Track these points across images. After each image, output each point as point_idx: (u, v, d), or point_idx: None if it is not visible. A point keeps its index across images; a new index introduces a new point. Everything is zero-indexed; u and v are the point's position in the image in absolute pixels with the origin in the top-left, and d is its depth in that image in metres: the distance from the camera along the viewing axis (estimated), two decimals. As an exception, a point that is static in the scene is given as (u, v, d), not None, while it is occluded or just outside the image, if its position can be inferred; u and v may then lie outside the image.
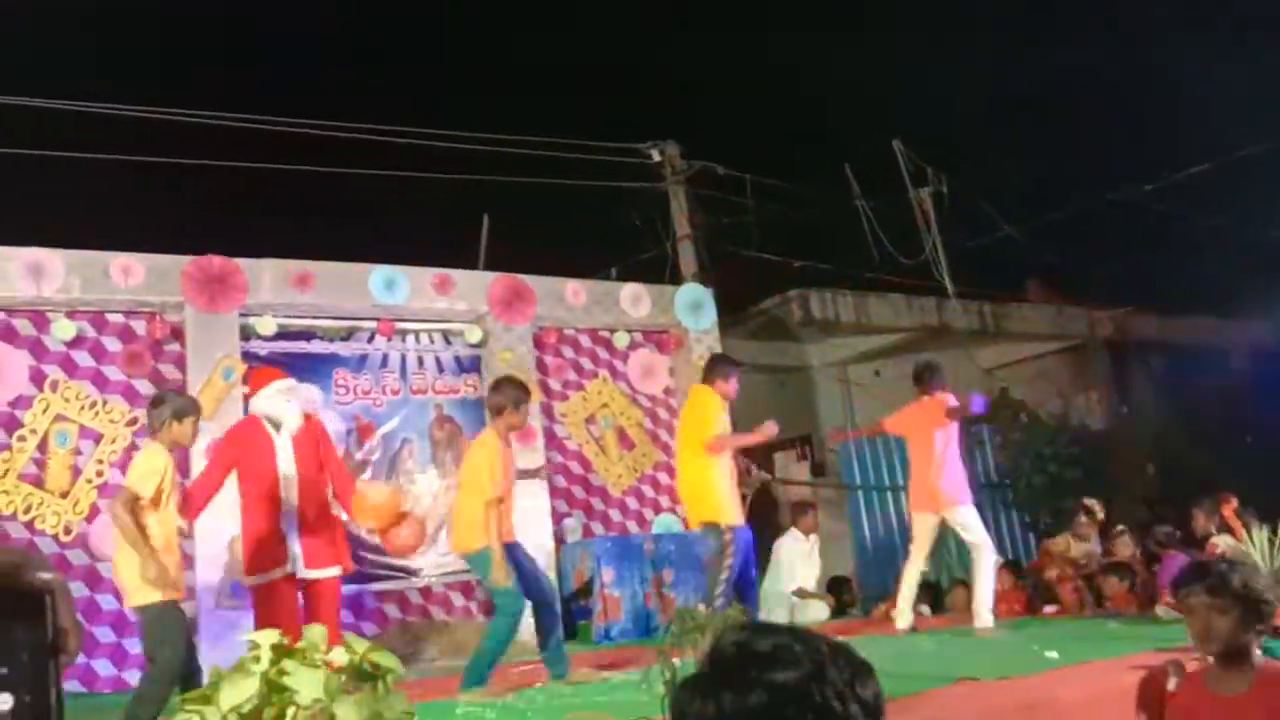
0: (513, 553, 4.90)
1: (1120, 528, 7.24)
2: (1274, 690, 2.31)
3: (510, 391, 5.05)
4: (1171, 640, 4.49)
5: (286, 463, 4.86)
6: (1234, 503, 6.51)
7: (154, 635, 4.04)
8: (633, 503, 8.31)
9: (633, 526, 8.14)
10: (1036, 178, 12.05)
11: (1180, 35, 11.29)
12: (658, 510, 8.36)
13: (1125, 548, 6.86)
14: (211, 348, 6.68)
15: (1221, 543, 6.35)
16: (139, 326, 6.74)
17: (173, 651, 3.97)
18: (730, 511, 5.55)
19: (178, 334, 6.76)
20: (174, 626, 4.04)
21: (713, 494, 5.60)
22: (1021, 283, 13.07)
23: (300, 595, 4.78)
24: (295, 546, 4.77)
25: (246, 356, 6.88)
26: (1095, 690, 3.80)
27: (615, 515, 8.14)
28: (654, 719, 3.19)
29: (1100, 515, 7.41)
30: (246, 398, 5.61)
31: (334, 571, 4.90)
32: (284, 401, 4.92)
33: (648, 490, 8.39)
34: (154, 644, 4.02)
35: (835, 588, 8.46)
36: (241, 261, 6.92)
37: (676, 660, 3.19)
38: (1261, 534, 4.52)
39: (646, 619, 7.11)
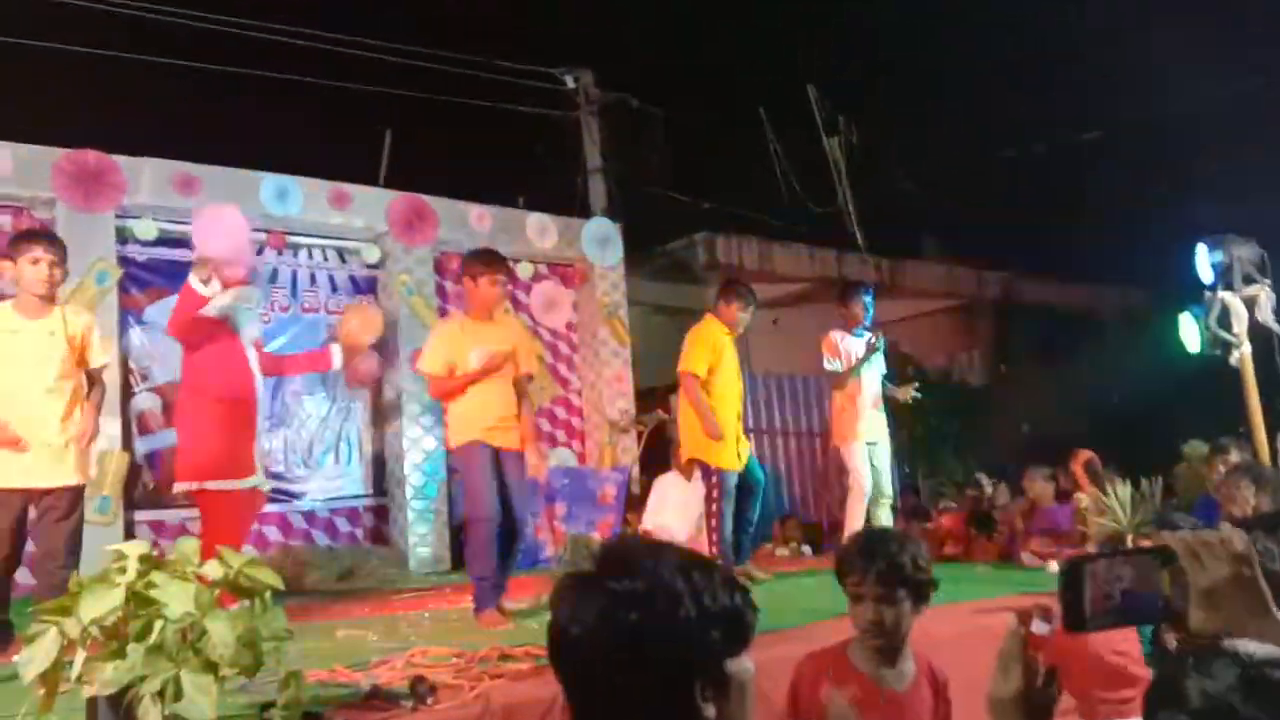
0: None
1: (997, 480, 7.59)
2: (933, 686, 2.24)
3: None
4: (1034, 585, 4.77)
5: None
6: (1084, 457, 6.79)
7: None
8: (528, 435, 8.23)
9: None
10: (937, 136, 12.28)
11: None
12: (553, 444, 8.32)
13: (1002, 497, 7.22)
14: (85, 249, 6.20)
15: (1084, 498, 6.72)
16: (4, 221, 6.24)
17: None
18: (715, 452, 5.24)
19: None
20: None
21: (695, 431, 5.33)
22: (917, 240, 13.42)
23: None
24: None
25: (123, 261, 6.46)
26: (963, 627, 3.99)
27: (509, 447, 8.08)
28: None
29: (989, 491, 7.71)
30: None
31: None
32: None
33: (544, 424, 8.32)
34: None
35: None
36: (120, 159, 6.44)
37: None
38: (1124, 488, 4.78)
39: (536, 551, 7.11)
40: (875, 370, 5.97)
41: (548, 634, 1.21)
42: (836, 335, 5.93)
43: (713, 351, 5.33)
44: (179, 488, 5.11)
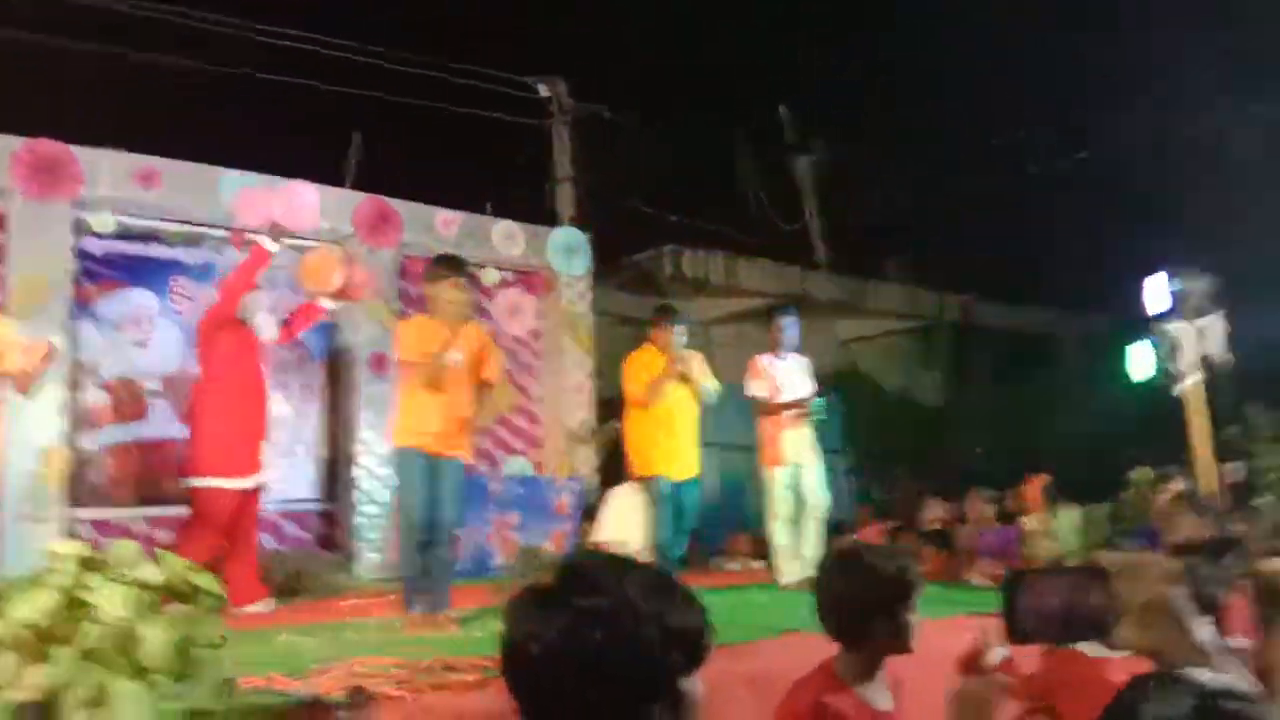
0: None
1: (933, 499, 7.66)
2: (898, 694, 2.22)
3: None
4: (984, 605, 4.82)
5: None
6: (1039, 482, 6.90)
7: None
8: (484, 443, 8.19)
9: (483, 467, 8.04)
10: (903, 160, 12.44)
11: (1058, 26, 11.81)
12: (510, 452, 8.29)
13: (936, 511, 7.30)
14: (39, 240, 6.13)
15: (1030, 521, 6.82)
16: (-44, 210, 6.11)
17: None
18: (653, 463, 5.58)
19: (1, 221, 6.16)
20: None
21: (634, 447, 5.70)
22: (880, 261, 13.57)
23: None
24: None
25: (79, 253, 6.35)
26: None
27: (465, 453, 8.02)
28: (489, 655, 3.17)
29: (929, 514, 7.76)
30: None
31: None
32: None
33: (502, 432, 8.29)
34: None
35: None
36: (78, 149, 6.34)
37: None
38: (1071, 512, 4.87)
39: (484, 558, 7.07)
40: (800, 391, 6.09)
41: (503, 649, 1.19)
42: (764, 360, 6.09)
43: (648, 374, 5.63)
44: (189, 483, 5.29)
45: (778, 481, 5.97)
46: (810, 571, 5.96)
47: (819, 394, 6.22)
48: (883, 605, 2.15)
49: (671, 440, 5.58)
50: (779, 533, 5.97)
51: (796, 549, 5.95)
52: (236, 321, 5.39)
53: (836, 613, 2.17)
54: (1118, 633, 1.30)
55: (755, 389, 6.04)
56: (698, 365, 5.81)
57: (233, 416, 5.17)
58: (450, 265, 4.65)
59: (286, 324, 5.91)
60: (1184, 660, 1.26)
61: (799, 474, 6.00)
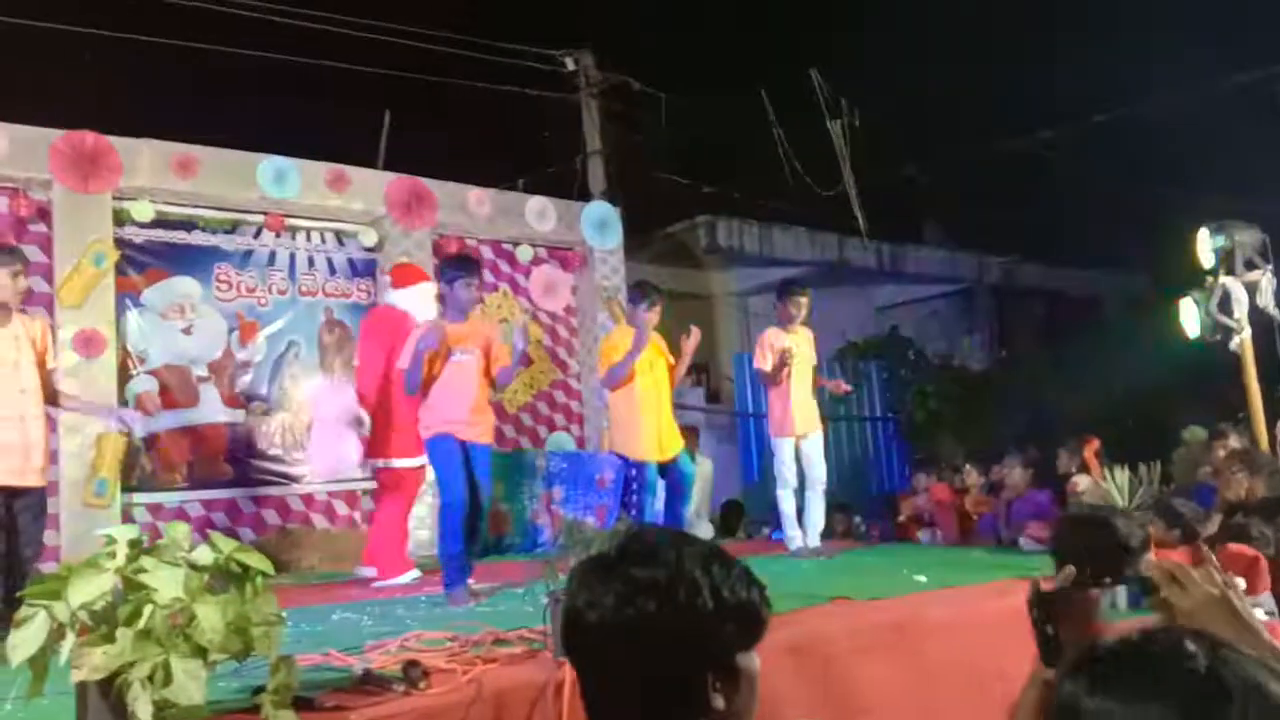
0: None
1: (972, 465, 7.61)
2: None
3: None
4: (1031, 569, 4.76)
5: None
6: (1095, 444, 6.89)
7: None
8: (527, 419, 8.25)
9: (526, 443, 8.10)
10: (939, 121, 12.19)
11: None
12: (552, 428, 8.33)
13: (972, 478, 7.26)
14: (82, 231, 6.23)
15: (1081, 482, 6.73)
16: (1, 203, 6.23)
17: None
18: (629, 445, 5.54)
19: (44, 213, 6.27)
20: None
21: (615, 428, 5.74)
22: (919, 225, 13.36)
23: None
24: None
25: (120, 243, 6.45)
26: (959, 612, 3.98)
27: (509, 431, 8.07)
28: (536, 628, 3.20)
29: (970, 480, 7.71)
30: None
31: None
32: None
33: (543, 408, 8.34)
34: None
35: (728, 511, 8.68)
36: (117, 140, 6.42)
37: (561, 573, 3.17)
38: (1123, 473, 4.78)
39: (534, 533, 7.13)
40: (806, 364, 6.07)
41: (564, 616, 1.22)
42: (772, 333, 6.10)
43: (618, 356, 5.55)
44: (374, 464, 5.86)
45: (784, 451, 6.01)
46: (814, 541, 6.00)
47: (820, 367, 6.20)
48: (1120, 555, 2.48)
49: (649, 420, 5.50)
50: (785, 500, 6.02)
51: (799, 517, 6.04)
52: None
53: (1081, 561, 2.43)
54: None
55: (760, 362, 6.05)
56: (658, 345, 5.67)
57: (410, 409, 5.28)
58: (459, 265, 4.89)
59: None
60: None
61: (802, 445, 6.02)
